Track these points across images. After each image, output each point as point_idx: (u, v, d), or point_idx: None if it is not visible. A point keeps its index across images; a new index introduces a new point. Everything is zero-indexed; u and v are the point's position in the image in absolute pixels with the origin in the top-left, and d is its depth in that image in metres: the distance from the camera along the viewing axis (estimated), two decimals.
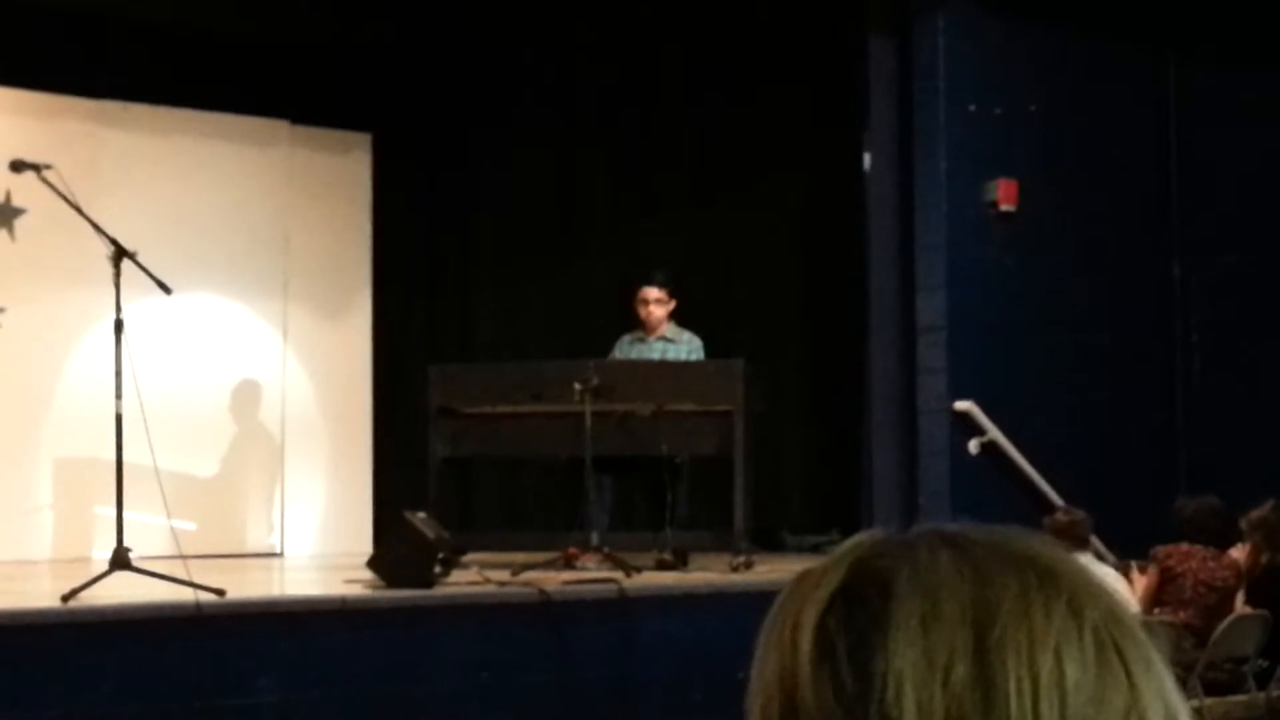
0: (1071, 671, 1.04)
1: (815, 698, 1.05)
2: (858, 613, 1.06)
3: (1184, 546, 8.79)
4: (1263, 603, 8.62)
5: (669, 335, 10.75)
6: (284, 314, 12.57)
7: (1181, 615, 8.49)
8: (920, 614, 1.05)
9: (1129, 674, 1.06)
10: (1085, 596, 1.07)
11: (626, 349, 10.80)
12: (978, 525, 1.12)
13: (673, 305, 10.76)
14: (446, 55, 12.66)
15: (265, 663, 7.47)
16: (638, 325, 10.82)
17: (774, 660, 1.09)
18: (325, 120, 12.77)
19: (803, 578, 1.12)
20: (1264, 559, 8.84)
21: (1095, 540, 9.17)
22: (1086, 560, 1.07)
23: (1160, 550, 8.84)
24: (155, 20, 11.62)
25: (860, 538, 1.13)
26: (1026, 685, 1.02)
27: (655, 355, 10.70)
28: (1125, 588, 8.40)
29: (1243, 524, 8.93)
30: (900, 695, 1.02)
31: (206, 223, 12.11)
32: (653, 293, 10.73)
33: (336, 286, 12.89)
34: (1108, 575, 7.40)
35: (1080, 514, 8.84)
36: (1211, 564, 8.72)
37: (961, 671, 1.03)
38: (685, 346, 10.72)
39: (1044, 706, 1.02)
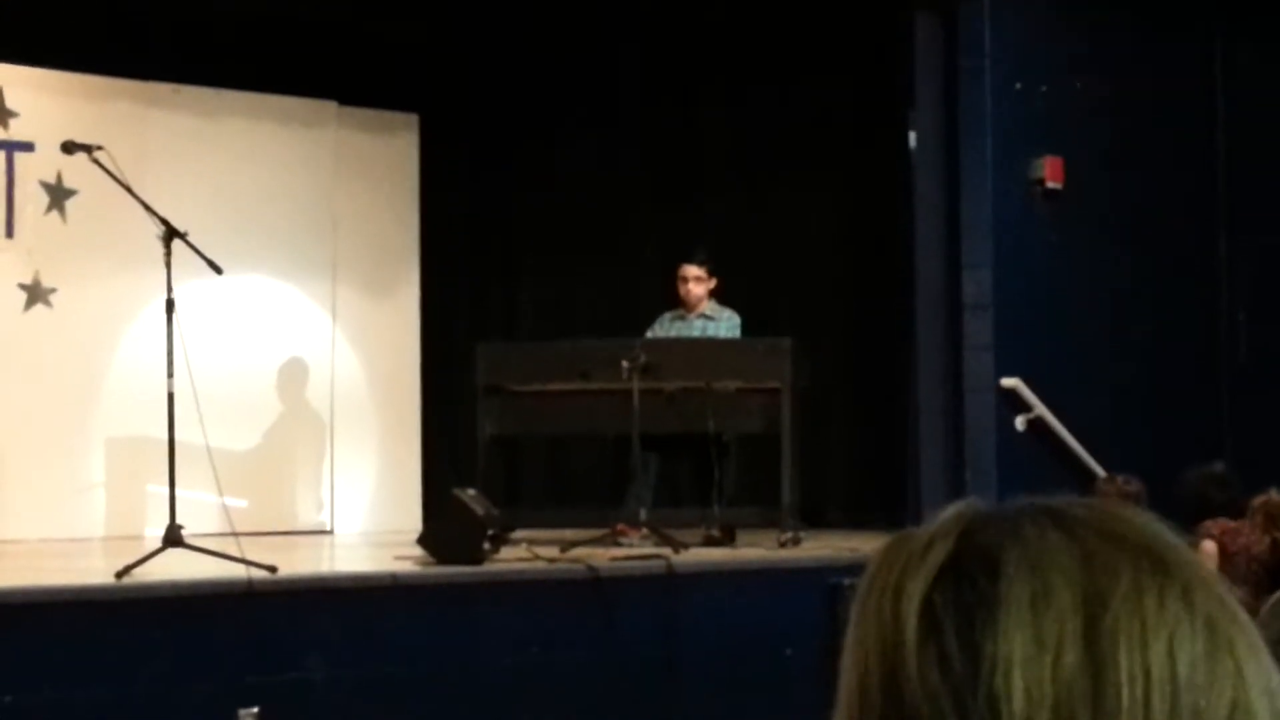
0: (1183, 663, 1.03)
1: (920, 676, 1.03)
2: (966, 591, 1.05)
3: (1230, 524, 8.73)
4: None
5: (709, 313, 10.73)
6: (333, 294, 12.63)
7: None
8: (1030, 596, 1.03)
9: (1238, 667, 1.06)
10: (1198, 586, 1.08)
11: (667, 326, 10.78)
12: (1081, 501, 1.11)
13: (713, 284, 10.73)
14: (493, 37, 12.69)
15: (316, 639, 7.54)
16: (680, 304, 10.84)
17: (873, 631, 1.07)
18: (373, 101, 12.82)
19: (897, 545, 1.10)
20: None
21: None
22: None
23: (1214, 527, 8.73)
24: (203, 2, 11.68)
25: (960, 508, 1.11)
26: (1139, 676, 1.02)
27: (695, 333, 10.70)
28: None
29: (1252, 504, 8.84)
30: (1009, 679, 1.01)
31: (255, 203, 12.17)
32: (692, 270, 10.72)
33: (384, 266, 12.96)
34: None
35: (1137, 483, 8.67)
36: (1253, 538, 8.66)
37: (1072, 658, 1.02)
38: (725, 324, 10.69)
39: (1155, 699, 1.02)
